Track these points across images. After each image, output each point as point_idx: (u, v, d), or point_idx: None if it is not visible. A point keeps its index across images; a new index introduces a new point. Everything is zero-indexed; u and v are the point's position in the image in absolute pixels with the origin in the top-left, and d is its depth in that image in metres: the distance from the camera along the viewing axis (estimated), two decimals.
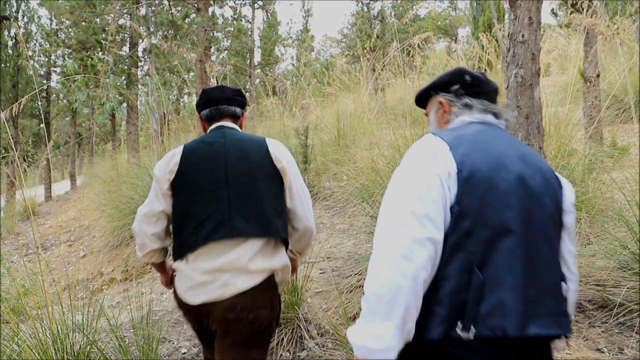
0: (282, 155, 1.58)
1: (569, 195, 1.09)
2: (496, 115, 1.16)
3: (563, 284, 1.03)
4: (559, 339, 1.02)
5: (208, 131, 1.67)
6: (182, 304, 1.53)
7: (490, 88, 1.19)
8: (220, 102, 1.66)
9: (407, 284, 0.88)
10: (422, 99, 1.27)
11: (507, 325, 0.89)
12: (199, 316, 1.51)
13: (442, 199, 0.94)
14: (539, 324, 0.92)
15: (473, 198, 0.95)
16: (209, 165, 1.53)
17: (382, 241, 0.93)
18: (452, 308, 0.91)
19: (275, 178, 1.57)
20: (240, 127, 1.72)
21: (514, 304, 0.90)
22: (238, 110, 1.69)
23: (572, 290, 1.10)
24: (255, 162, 1.55)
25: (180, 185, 1.53)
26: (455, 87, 1.17)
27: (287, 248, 1.61)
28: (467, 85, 1.17)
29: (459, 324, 0.90)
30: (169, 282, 1.69)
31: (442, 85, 1.20)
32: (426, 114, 1.27)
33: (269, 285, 1.52)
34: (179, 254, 1.52)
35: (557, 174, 1.09)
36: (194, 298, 1.47)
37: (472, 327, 0.89)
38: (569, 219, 1.08)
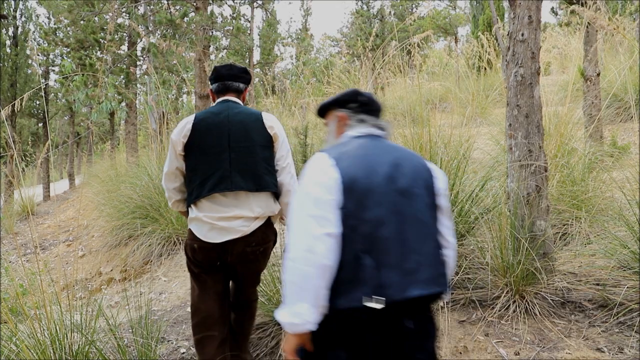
0: (274, 124, 2.00)
1: (440, 182, 1.38)
2: (382, 128, 1.46)
3: (443, 251, 1.32)
4: (440, 297, 1.30)
5: (215, 103, 2.05)
6: (204, 245, 1.90)
7: (377, 107, 1.49)
8: (227, 78, 2.03)
9: (314, 272, 1.15)
10: (323, 111, 1.55)
11: (391, 293, 1.16)
12: (221, 252, 1.92)
13: (332, 200, 1.21)
14: (419, 287, 1.20)
15: (353, 202, 1.21)
16: (215, 132, 1.91)
17: (291, 241, 1.21)
18: (350, 285, 1.19)
19: (268, 145, 1.99)
20: (243, 99, 2.09)
21: (394, 277, 1.18)
22: (241, 85, 2.07)
23: (450, 256, 1.39)
24: (252, 131, 1.95)
25: (191, 147, 1.92)
26: (353, 105, 1.47)
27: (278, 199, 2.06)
28: (362, 104, 1.47)
29: (370, 298, 1.16)
30: None
31: (341, 102, 1.49)
32: (325, 124, 1.56)
33: (269, 224, 2.02)
34: (190, 202, 1.95)
35: (430, 166, 1.38)
36: (218, 238, 1.89)
37: (379, 297, 1.16)
38: (442, 200, 1.37)
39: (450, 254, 1.38)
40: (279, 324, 2.51)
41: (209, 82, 2.10)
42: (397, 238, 1.21)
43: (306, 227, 1.18)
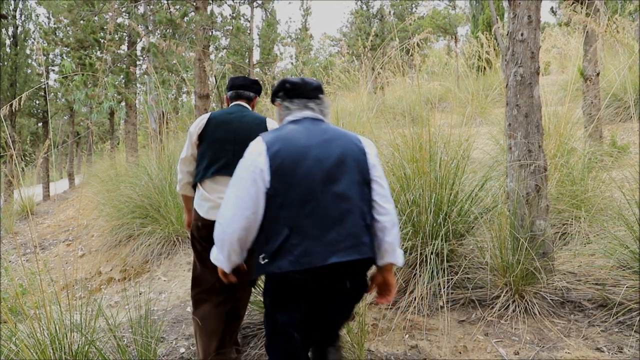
0: (275, 126, 2.22)
1: (371, 156, 1.51)
2: (313, 109, 1.58)
3: (378, 218, 1.46)
4: (368, 262, 1.47)
5: (229, 106, 2.39)
6: (206, 222, 2.13)
7: (309, 88, 1.59)
8: (239, 87, 2.38)
9: (227, 240, 1.43)
10: (273, 101, 1.71)
11: (313, 261, 1.35)
12: None
13: (256, 188, 1.39)
14: (339, 255, 1.36)
15: (281, 182, 1.39)
16: (225, 127, 2.25)
17: (221, 209, 1.45)
18: (279, 254, 1.37)
19: None
20: (252, 107, 2.42)
21: (316, 247, 1.35)
22: (252, 94, 2.41)
23: (388, 221, 1.49)
24: (256, 131, 2.20)
25: (204, 138, 2.26)
26: (281, 93, 1.62)
27: None
28: (288, 91, 1.60)
29: (288, 264, 1.35)
30: (190, 225, 2.40)
31: (274, 93, 1.67)
32: None
33: None
34: (196, 180, 2.25)
35: (362, 143, 1.51)
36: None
37: (295, 264, 1.34)
38: (374, 172, 1.50)
39: (387, 219, 1.48)
40: None
41: (225, 90, 2.43)
42: (320, 213, 1.38)
43: (231, 204, 1.42)
